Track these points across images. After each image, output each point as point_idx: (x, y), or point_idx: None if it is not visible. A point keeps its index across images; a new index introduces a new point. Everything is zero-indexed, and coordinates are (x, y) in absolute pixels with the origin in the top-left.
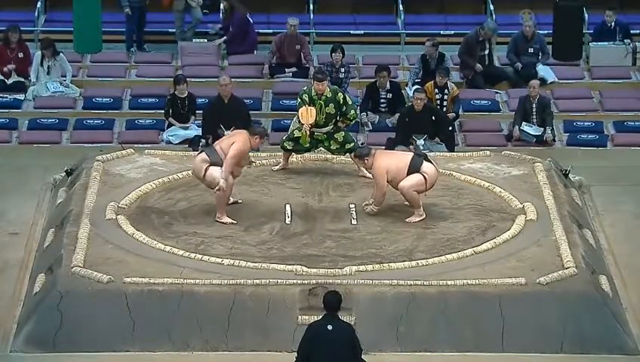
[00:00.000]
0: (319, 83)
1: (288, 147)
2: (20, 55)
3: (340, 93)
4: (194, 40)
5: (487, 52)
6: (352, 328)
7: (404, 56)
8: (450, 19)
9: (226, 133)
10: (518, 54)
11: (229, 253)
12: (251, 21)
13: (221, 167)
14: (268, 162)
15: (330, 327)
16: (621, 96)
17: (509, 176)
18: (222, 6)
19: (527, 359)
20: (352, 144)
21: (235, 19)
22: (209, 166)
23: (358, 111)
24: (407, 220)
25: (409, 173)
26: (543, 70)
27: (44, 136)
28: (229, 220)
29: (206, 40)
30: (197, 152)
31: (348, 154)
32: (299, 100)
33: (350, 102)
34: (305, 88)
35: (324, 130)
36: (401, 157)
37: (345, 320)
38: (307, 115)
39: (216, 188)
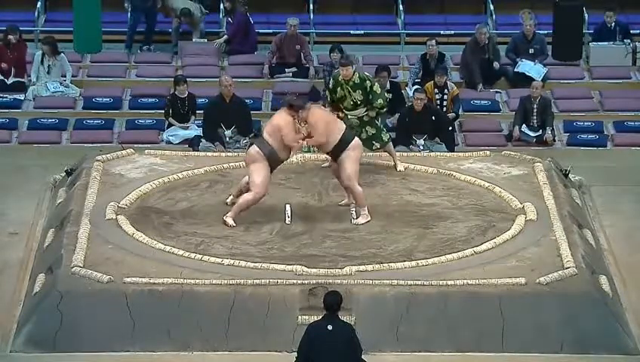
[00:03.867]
0: (344, 68)
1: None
2: (16, 53)
3: (368, 81)
4: (194, 40)
5: (486, 56)
6: (352, 328)
7: (404, 56)
8: (450, 19)
9: (226, 132)
10: (517, 54)
11: (229, 253)
12: (252, 21)
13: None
14: None
15: (330, 327)
16: (621, 96)
17: (509, 176)
18: (222, 6)
19: (527, 359)
20: (378, 145)
21: (235, 19)
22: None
23: (385, 102)
24: (354, 222)
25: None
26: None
27: (44, 136)
28: (232, 223)
29: (206, 40)
30: (248, 145)
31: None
32: (330, 83)
33: (379, 91)
34: (335, 72)
35: (355, 113)
36: (336, 122)
37: (345, 320)
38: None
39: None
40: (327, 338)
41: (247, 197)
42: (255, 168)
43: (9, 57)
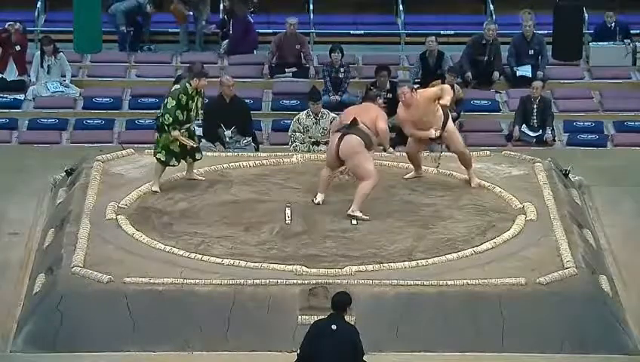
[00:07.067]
0: (203, 79)
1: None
2: (18, 48)
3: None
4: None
5: (485, 58)
6: (356, 331)
7: (404, 56)
8: (450, 19)
9: (226, 132)
10: (519, 57)
11: (229, 253)
12: (251, 20)
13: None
14: (267, 162)
15: (334, 327)
16: (621, 96)
17: (509, 176)
18: (222, 6)
19: (527, 359)
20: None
21: (235, 21)
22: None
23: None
24: (473, 185)
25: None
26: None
27: (44, 136)
28: (363, 216)
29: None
30: (339, 133)
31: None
32: (175, 99)
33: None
34: (182, 82)
35: (188, 125)
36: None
37: (345, 320)
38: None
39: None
40: (330, 337)
41: (366, 186)
42: (363, 157)
43: (10, 51)
